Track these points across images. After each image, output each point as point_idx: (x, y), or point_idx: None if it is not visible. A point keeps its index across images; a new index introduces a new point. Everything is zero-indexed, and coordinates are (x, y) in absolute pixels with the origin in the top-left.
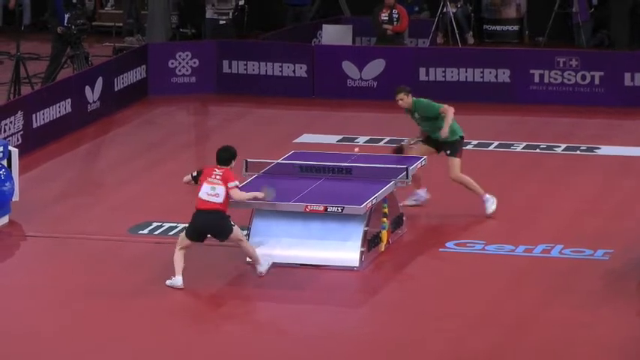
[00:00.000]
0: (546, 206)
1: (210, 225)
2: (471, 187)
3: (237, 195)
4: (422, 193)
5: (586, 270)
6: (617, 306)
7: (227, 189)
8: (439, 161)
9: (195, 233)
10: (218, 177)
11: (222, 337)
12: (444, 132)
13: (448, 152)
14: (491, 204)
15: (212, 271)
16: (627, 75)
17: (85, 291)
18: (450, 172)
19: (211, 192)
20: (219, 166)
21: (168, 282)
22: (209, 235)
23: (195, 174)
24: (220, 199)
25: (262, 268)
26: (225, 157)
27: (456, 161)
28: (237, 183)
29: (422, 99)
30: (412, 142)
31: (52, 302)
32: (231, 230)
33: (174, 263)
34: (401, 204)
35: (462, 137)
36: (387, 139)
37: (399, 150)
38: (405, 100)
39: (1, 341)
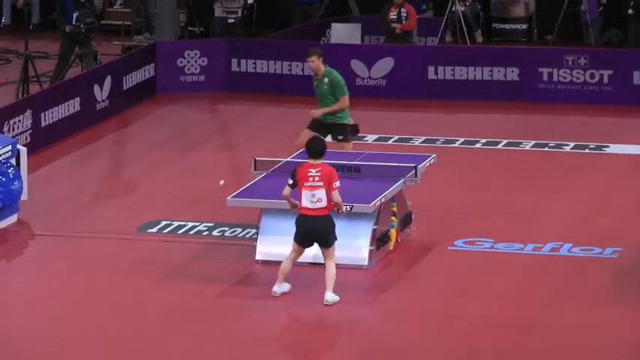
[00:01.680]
0: (555, 204)
1: (318, 230)
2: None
3: (337, 198)
4: None
5: (595, 268)
6: (628, 305)
7: (330, 189)
8: (447, 159)
9: (305, 238)
10: (317, 178)
11: (229, 337)
12: (318, 112)
13: (340, 137)
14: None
15: (219, 271)
16: (636, 73)
17: (94, 290)
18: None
19: (313, 199)
20: (313, 162)
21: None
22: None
23: (291, 182)
24: (323, 204)
25: (332, 298)
26: (319, 149)
27: (348, 146)
28: (339, 184)
29: (335, 71)
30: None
31: (60, 302)
32: (334, 241)
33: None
34: None
35: (353, 126)
36: (396, 137)
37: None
38: (317, 62)
39: (10, 342)
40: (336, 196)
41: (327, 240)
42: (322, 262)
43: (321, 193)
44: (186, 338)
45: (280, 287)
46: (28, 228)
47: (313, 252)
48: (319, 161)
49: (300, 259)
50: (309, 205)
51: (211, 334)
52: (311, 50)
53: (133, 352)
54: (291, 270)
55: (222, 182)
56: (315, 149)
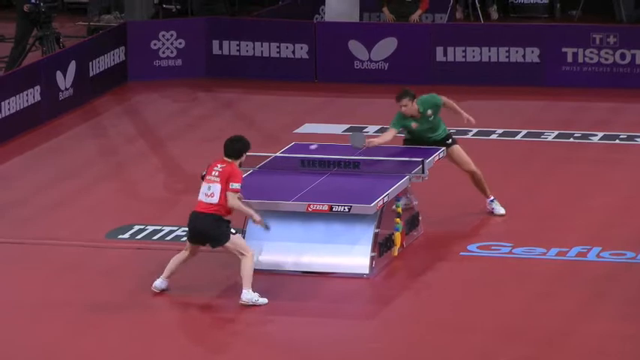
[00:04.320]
0: (581, 203)
1: (202, 229)
2: (483, 186)
3: (232, 201)
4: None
5: (627, 275)
6: None
7: (226, 188)
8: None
9: (194, 237)
10: (217, 173)
11: (215, 355)
12: (469, 117)
13: (449, 142)
14: (500, 207)
15: (200, 281)
16: None
17: (58, 304)
18: (463, 165)
19: (207, 191)
20: (224, 159)
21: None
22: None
23: (203, 172)
24: (215, 199)
25: (248, 297)
26: (234, 148)
27: (459, 148)
28: (238, 186)
29: (421, 96)
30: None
31: (18, 318)
32: (226, 238)
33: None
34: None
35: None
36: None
37: None
38: (410, 106)
39: None
40: (231, 198)
41: (217, 240)
42: (317, 270)
43: (216, 188)
44: (166, 357)
45: (162, 283)
46: None
47: (306, 259)
48: (231, 160)
49: (291, 267)
50: (203, 199)
51: (194, 352)
52: (400, 94)
53: None
54: (177, 268)
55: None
56: (230, 148)
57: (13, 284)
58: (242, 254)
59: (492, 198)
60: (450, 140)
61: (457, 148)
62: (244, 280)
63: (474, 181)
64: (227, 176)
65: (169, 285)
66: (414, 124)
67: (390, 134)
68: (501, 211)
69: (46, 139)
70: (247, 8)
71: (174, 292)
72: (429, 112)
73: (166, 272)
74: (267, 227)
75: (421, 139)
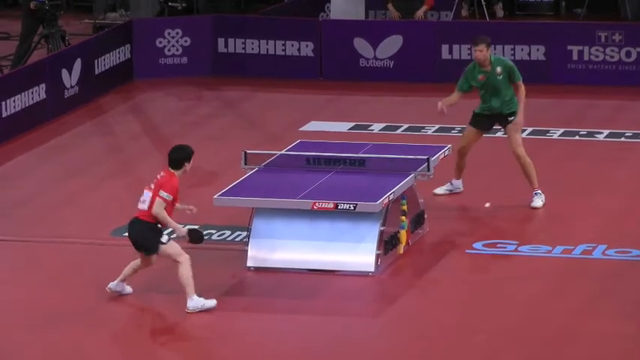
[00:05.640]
0: (587, 201)
1: (133, 236)
2: (528, 175)
3: (156, 208)
4: (458, 184)
5: (633, 273)
6: None
7: (154, 194)
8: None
9: (132, 244)
10: (155, 180)
11: (221, 355)
12: (522, 119)
13: (511, 119)
14: (538, 198)
15: (205, 279)
16: None
17: (64, 302)
18: (511, 144)
19: (141, 198)
20: (166, 169)
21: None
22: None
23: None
24: (146, 206)
25: (193, 305)
26: (175, 157)
27: (518, 131)
28: (167, 196)
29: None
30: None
31: (24, 315)
32: (155, 248)
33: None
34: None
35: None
36: (406, 126)
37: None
38: (485, 52)
39: None
40: (156, 206)
41: (147, 248)
42: (322, 268)
43: (148, 195)
44: (172, 357)
45: (116, 286)
46: None
47: (312, 257)
48: (173, 170)
49: (296, 265)
50: (138, 205)
51: (199, 352)
52: (479, 38)
53: None
54: (134, 273)
55: (487, 204)
56: (171, 158)
57: (19, 282)
58: (176, 261)
59: (537, 190)
60: (513, 119)
61: (513, 127)
62: (186, 288)
63: (520, 166)
64: (160, 184)
65: (126, 288)
66: (481, 77)
67: (455, 96)
68: (538, 204)
69: (52, 137)
70: (253, 6)
71: (178, 291)
72: (499, 69)
73: (122, 275)
74: (195, 239)
75: (489, 104)
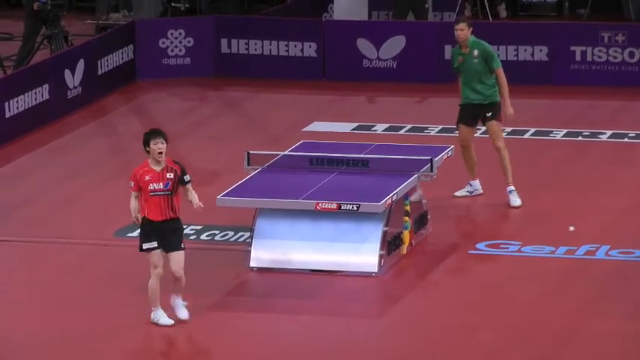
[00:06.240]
0: (590, 201)
1: None
2: (506, 169)
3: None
4: (476, 185)
5: (636, 273)
6: None
7: None
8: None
9: None
10: None
11: (223, 355)
12: (509, 110)
13: (489, 115)
14: (516, 196)
15: (208, 280)
16: None
17: (66, 303)
18: (494, 139)
19: None
20: None
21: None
22: None
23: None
24: None
25: (153, 315)
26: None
27: (497, 128)
28: (130, 184)
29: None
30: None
31: (25, 316)
32: (140, 247)
33: None
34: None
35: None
36: (409, 126)
37: None
38: (466, 32)
39: None
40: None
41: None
42: (325, 269)
43: None
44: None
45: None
46: None
47: (314, 257)
48: None
49: (299, 266)
50: None
51: (201, 352)
52: (461, 17)
53: None
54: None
55: (572, 228)
56: None
57: (21, 283)
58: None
59: (512, 188)
60: (491, 114)
61: (495, 123)
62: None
63: (499, 159)
64: None
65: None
66: (460, 58)
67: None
68: (517, 202)
69: (55, 138)
70: (256, 7)
71: (183, 291)
72: (475, 52)
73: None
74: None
75: (466, 94)
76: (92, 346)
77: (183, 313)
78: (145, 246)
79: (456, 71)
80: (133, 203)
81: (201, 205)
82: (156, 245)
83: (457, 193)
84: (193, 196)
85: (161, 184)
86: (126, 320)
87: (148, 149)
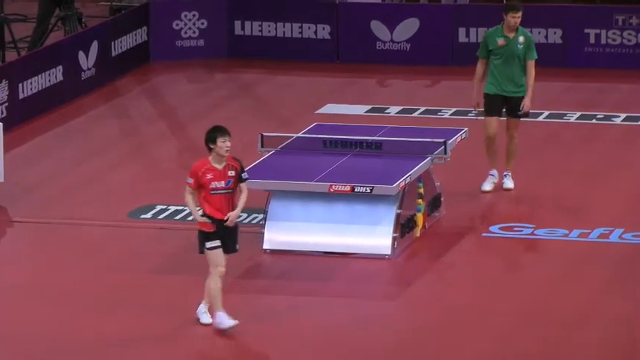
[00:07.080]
0: (604, 185)
1: None
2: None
3: (185, 195)
4: (494, 173)
5: None
6: None
7: None
8: (480, 134)
9: None
10: None
11: (239, 336)
12: (527, 103)
13: (520, 112)
14: (510, 180)
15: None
16: None
17: (77, 284)
18: (512, 129)
19: None
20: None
21: None
22: None
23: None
24: None
25: (214, 320)
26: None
27: (518, 126)
28: (189, 180)
29: None
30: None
31: (39, 297)
32: (200, 248)
33: None
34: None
35: None
36: (422, 109)
37: None
38: (518, 22)
39: None
40: (186, 192)
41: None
42: (339, 251)
43: None
44: (187, 339)
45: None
46: (5, 214)
47: (328, 240)
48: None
49: (313, 248)
50: None
51: (215, 334)
52: (518, 4)
53: (121, 355)
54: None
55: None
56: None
57: (38, 264)
58: (210, 271)
59: (508, 173)
60: (521, 112)
61: (519, 119)
62: (207, 298)
63: (507, 146)
64: None
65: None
66: (501, 41)
67: (480, 67)
68: (509, 185)
69: (68, 120)
70: None
71: (192, 274)
72: (521, 38)
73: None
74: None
75: (504, 79)
76: (104, 326)
77: (206, 318)
78: (209, 245)
79: (487, 54)
80: (191, 202)
81: (234, 221)
82: (219, 244)
83: (486, 189)
84: (241, 201)
85: (223, 182)
86: (139, 300)
87: (212, 146)
